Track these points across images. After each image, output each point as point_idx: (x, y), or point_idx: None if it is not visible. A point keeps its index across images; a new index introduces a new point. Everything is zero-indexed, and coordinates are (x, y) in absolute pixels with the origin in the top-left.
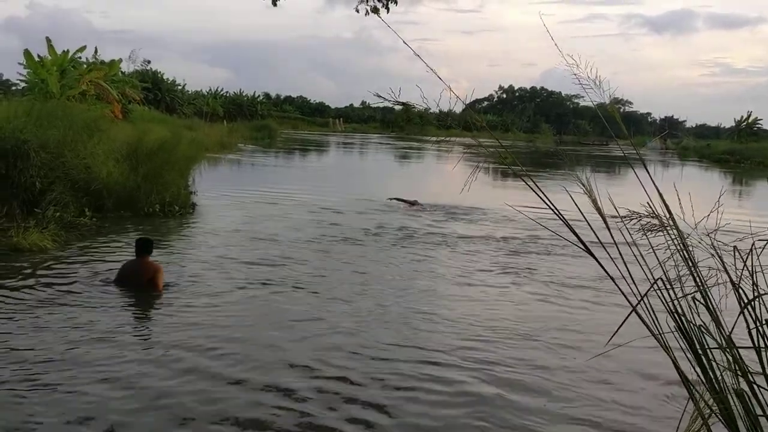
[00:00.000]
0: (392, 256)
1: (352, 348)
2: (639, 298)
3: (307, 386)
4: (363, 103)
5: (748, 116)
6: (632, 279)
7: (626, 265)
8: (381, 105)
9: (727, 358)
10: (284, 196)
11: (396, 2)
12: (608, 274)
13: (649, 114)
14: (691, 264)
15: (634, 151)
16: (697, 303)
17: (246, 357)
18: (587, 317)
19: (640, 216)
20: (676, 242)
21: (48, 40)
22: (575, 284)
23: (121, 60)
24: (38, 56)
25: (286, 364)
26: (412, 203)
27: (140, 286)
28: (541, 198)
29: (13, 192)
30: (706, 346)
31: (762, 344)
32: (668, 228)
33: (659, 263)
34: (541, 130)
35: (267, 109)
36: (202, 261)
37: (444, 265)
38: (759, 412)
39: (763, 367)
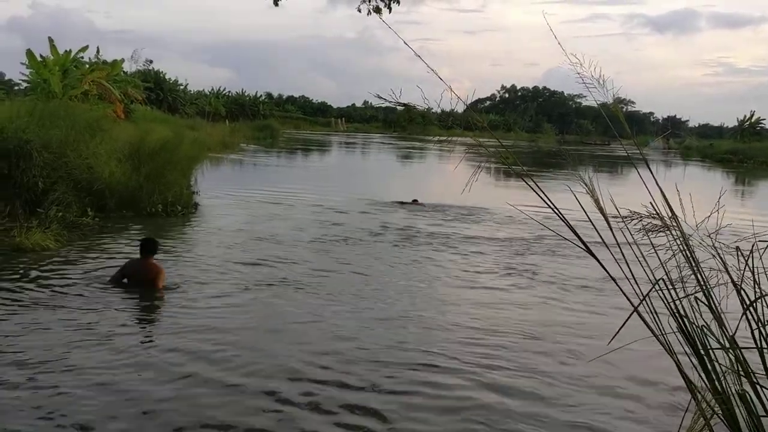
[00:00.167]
0: (394, 257)
1: (352, 351)
2: (641, 299)
3: (306, 389)
4: (365, 103)
5: (751, 116)
6: (635, 280)
7: (629, 266)
8: (383, 105)
9: (730, 359)
10: (286, 195)
11: (398, 2)
12: (609, 275)
13: (651, 114)
14: (693, 264)
15: (637, 151)
16: (699, 304)
17: (245, 360)
18: (590, 319)
19: (641, 216)
20: (678, 242)
21: (50, 39)
22: (579, 285)
23: (123, 60)
24: (41, 56)
25: (287, 368)
26: (412, 202)
27: (141, 285)
28: (542, 198)
29: (15, 192)
30: (709, 347)
31: (765, 345)
32: (671, 228)
33: (661, 264)
34: (543, 129)
35: (269, 109)
36: (204, 261)
37: (446, 267)
38: (762, 412)
39: (766, 368)
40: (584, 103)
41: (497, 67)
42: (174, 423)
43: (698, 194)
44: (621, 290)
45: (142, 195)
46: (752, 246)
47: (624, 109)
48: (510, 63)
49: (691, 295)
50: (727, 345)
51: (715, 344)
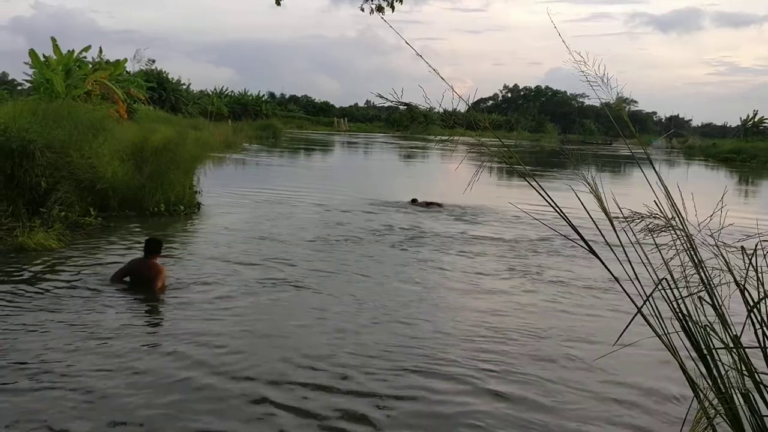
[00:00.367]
0: (397, 257)
1: (354, 350)
2: (644, 299)
3: (307, 389)
4: (367, 102)
5: (755, 115)
6: (638, 280)
7: (632, 266)
8: (385, 105)
9: (733, 358)
10: (289, 195)
11: (401, 1)
12: (612, 275)
13: (654, 113)
14: (697, 263)
15: (641, 150)
16: (702, 303)
17: (248, 359)
18: (594, 321)
19: (643, 216)
20: (682, 241)
21: (53, 39)
22: (584, 286)
23: (126, 60)
24: (43, 56)
25: (288, 367)
26: (411, 202)
27: (142, 285)
28: (544, 198)
29: (18, 191)
30: (712, 347)
31: None
32: (675, 229)
33: (664, 262)
34: (546, 129)
35: (272, 109)
36: (207, 260)
37: (449, 268)
38: (765, 412)
39: None
40: (587, 102)
41: (500, 66)
42: (182, 415)
43: (702, 194)
44: (624, 291)
45: (144, 195)
46: (756, 245)
47: (627, 109)
48: (512, 62)
49: (695, 294)
50: (731, 344)
51: (718, 344)
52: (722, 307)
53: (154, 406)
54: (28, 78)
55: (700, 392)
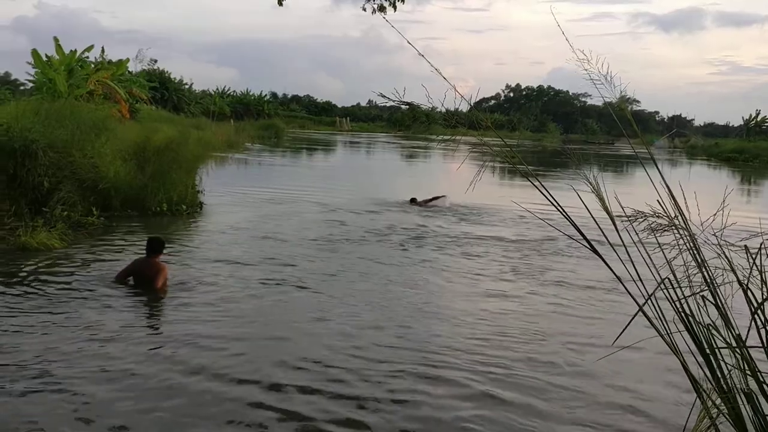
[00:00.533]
0: (400, 257)
1: (355, 350)
2: (646, 298)
3: (308, 388)
4: (370, 102)
5: (757, 115)
6: (641, 280)
7: (634, 266)
8: (387, 104)
9: (736, 358)
10: (291, 195)
11: (403, 1)
12: (615, 275)
13: (656, 113)
14: (701, 262)
15: (644, 150)
16: (705, 303)
17: (248, 362)
18: (596, 322)
19: (646, 215)
20: (685, 241)
21: (56, 39)
22: (587, 287)
23: (128, 59)
24: (46, 56)
25: (288, 366)
26: (411, 201)
27: (145, 285)
28: (546, 197)
29: (21, 191)
30: (715, 346)
31: None
32: (678, 228)
33: (667, 262)
34: (548, 129)
35: (274, 109)
36: (209, 260)
37: (452, 267)
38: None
39: None
40: (589, 102)
41: (502, 66)
42: (182, 417)
43: (704, 193)
44: (627, 291)
45: (147, 194)
46: (760, 245)
47: (630, 108)
48: (515, 62)
49: (698, 293)
50: (734, 344)
51: (721, 343)
52: (725, 307)
53: (153, 411)
54: (31, 78)
55: (703, 392)
